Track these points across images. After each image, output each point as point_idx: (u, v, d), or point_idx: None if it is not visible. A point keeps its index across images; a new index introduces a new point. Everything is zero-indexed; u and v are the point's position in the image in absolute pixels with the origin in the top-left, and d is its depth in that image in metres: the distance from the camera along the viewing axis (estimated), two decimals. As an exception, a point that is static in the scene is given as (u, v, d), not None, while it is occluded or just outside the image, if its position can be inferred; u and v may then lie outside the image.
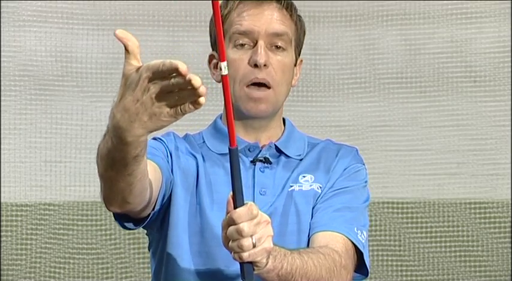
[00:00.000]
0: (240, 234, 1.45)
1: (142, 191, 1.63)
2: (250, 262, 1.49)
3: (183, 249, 1.83)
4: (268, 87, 1.86)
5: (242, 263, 1.49)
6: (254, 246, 1.47)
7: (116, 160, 1.44)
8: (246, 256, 1.47)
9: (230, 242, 1.48)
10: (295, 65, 1.96)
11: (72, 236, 4.00)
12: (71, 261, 3.99)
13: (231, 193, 1.48)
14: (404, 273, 4.09)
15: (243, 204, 1.47)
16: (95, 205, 4.00)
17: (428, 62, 4.14)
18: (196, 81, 1.29)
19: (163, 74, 1.29)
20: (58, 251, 3.98)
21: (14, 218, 3.98)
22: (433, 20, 4.13)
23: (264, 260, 1.51)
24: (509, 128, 4.10)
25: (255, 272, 1.51)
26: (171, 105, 1.31)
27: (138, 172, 1.50)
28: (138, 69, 1.33)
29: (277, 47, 1.88)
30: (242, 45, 1.86)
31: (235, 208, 1.47)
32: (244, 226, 1.45)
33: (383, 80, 4.13)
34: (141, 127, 1.34)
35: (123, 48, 1.34)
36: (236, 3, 1.90)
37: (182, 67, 1.28)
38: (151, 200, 1.73)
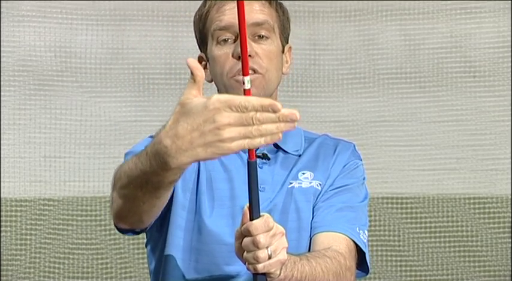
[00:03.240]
0: (256, 246, 1.46)
1: (159, 212, 1.64)
2: (264, 273, 1.49)
3: (178, 247, 1.84)
4: (256, 73, 1.85)
5: (255, 274, 1.49)
6: (269, 257, 1.47)
7: (149, 183, 1.42)
8: (260, 267, 1.47)
9: (245, 253, 1.49)
10: (283, 52, 1.94)
11: (72, 232, 4.00)
12: (71, 256, 3.99)
13: (247, 204, 1.47)
14: (403, 268, 4.10)
15: (259, 216, 1.47)
16: (95, 201, 4.00)
17: (428, 58, 4.13)
18: (297, 114, 1.28)
19: (243, 110, 1.27)
20: (58, 247, 3.99)
21: (13, 213, 3.98)
22: (432, 15, 4.13)
23: (278, 272, 1.52)
24: (509, 123, 4.10)
25: None
26: (235, 139, 1.28)
27: (165, 196, 1.50)
28: (205, 99, 1.30)
29: (260, 37, 1.86)
30: (225, 40, 1.84)
31: (251, 219, 1.46)
32: (261, 238, 1.45)
33: (382, 76, 4.13)
34: (190, 156, 1.30)
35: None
36: None
37: (278, 106, 1.27)
38: None
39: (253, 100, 1.27)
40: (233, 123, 1.27)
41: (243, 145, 1.28)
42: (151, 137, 1.88)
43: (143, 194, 1.47)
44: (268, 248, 1.47)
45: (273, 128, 1.27)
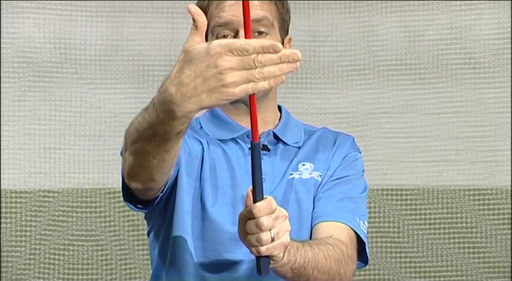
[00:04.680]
0: (259, 228, 1.45)
1: (170, 170, 1.64)
2: (267, 256, 1.49)
3: (186, 232, 1.85)
4: None
5: (259, 257, 1.49)
6: (272, 240, 1.47)
7: (157, 134, 1.43)
8: (264, 249, 1.47)
9: (248, 236, 1.48)
10: (283, 45, 1.94)
11: (72, 223, 4.00)
12: (71, 248, 4.00)
13: (251, 187, 1.47)
14: (403, 260, 4.10)
15: (262, 198, 1.46)
16: (94, 192, 4.00)
17: (428, 49, 4.13)
18: (299, 54, 1.28)
19: (244, 53, 1.27)
20: (57, 238, 3.99)
21: (13, 205, 3.98)
22: (432, 7, 4.12)
23: (281, 255, 1.52)
24: (509, 114, 4.10)
25: (271, 266, 1.52)
26: (239, 84, 1.28)
27: (174, 149, 1.50)
28: (207, 45, 1.30)
29: (260, 33, 1.86)
30: (225, 36, 1.84)
31: (254, 202, 1.46)
32: (264, 220, 1.45)
33: (382, 67, 4.12)
34: (195, 103, 1.31)
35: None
36: None
37: (279, 46, 1.27)
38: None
39: (253, 42, 1.27)
40: (235, 67, 1.27)
41: (247, 89, 1.28)
42: None
43: (152, 148, 1.47)
44: (271, 231, 1.46)
45: (275, 70, 1.27)
